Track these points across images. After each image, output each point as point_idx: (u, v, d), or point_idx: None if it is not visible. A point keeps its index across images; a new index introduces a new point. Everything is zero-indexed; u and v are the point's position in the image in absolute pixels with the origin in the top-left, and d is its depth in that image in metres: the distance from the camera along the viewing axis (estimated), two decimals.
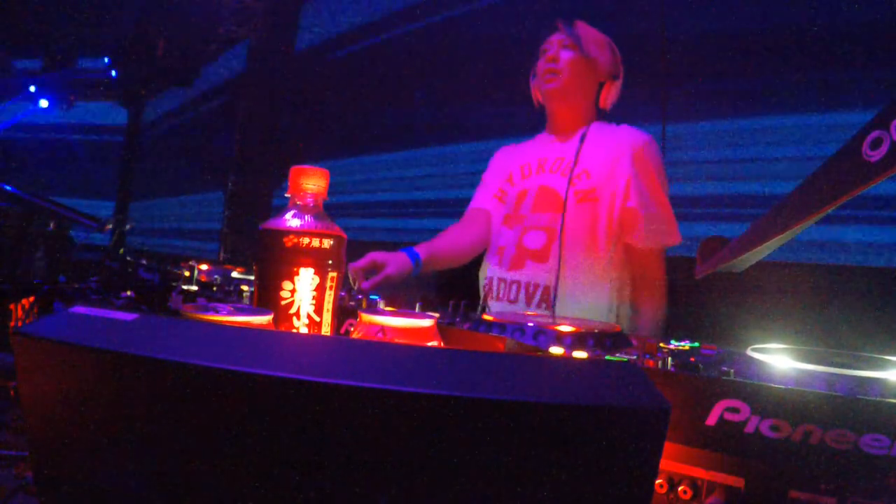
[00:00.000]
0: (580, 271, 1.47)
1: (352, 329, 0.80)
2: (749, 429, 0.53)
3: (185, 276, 1.14)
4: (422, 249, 1.53)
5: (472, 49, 3.40)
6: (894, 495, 0.50)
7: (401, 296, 1.06)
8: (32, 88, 4.86)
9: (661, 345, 0.74)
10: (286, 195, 0.78)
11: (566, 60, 1.57)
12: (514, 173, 1.67)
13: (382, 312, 0.76)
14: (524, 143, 1.77)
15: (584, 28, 1.61)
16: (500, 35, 3.22)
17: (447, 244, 1.67)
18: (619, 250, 1.49)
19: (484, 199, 1.74)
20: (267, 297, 0.74)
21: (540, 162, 1.62)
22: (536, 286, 1.50)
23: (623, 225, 1.47)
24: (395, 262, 1.43)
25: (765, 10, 2.34)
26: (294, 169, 0.77)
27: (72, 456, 0.43)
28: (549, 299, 1.47)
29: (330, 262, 0.75)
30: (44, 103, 4.85)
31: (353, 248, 0.81)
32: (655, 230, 1.46)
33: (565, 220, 1.48)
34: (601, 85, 1.61)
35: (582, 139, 1.55)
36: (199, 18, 4.66)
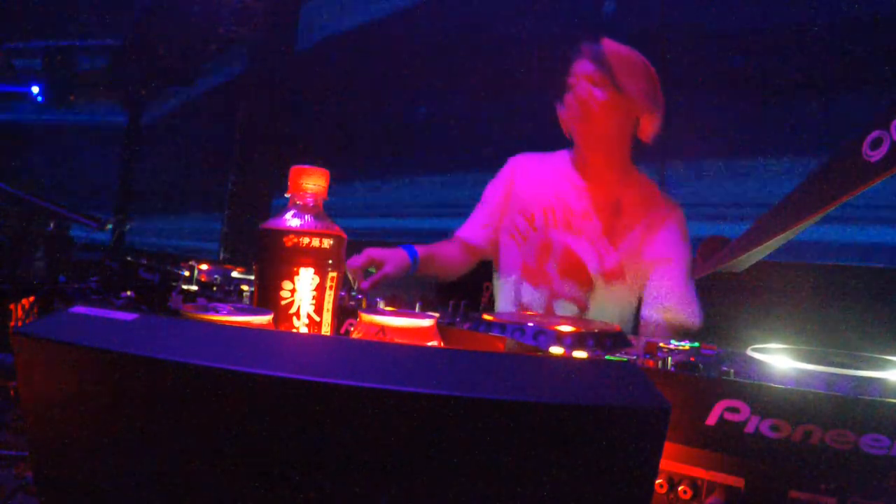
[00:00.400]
0: None
1: (352, 329, 0.80)
2: (749, 429, 0.53)
3: (185, 276, 1.14)
4: (421, 248, 1.48)
5: (474, 48, 3.40)
6: (894, 495, 0.50)
7: (401, 296, 1.06)
8: (35, 89, 4.86)
9: (661, 345, 0.74)
10: (286, 195, 0.78)
11: (599, 103, 1.40)
12: (536, 216, 1.54)
13: (382, 312, 0.76)
14: (542, 160, 1.62)
15: (613, 50, 1.42)
16: (502, 34, 3.22)
17: (446, 252, 1.60)
18: (646, 324, 1.48)
19: (481, 231, 1.62)
20: (267, 297, 0.74)
21: (566, 213, 1.51)
22: None
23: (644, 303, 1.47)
24: (393, 260, 1.38)
25: (765, 10, 2.35)
26: (294, 169, 0.77)
27: (72, 456, 0.43)
28: None
29: (330, 262, 0.75)
30: (35, 89, 4.84)
31: (353, 249, 0.81)
32: (671, 313, 1.42)
33: (593, 297, 1.47)
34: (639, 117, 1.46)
35: (615, 211, 1.46)
36: (199, 18, 4.66)
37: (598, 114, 1.42)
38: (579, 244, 1.48)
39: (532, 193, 1.57)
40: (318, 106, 4.31)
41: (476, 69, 3.29)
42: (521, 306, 1.55)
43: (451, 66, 3.54)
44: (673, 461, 0.57)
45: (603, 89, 1.40)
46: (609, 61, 1.40)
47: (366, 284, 1.33)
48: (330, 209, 0.79)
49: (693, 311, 1.42)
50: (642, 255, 1.45)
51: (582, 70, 1.44)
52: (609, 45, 1.44)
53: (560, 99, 1.50)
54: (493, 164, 1.72)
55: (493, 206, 1.64)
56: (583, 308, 1.47)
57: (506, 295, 1.60)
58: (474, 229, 1.64)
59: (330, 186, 0.79)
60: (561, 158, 1.60)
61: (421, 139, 3.82)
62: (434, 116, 3.70)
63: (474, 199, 1.72)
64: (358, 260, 1.34)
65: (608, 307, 1.47)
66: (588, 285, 1.47)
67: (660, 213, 1.47)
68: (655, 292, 1.44)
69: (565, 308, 1.49)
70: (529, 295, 1.54)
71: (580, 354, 0.67)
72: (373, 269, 1.36)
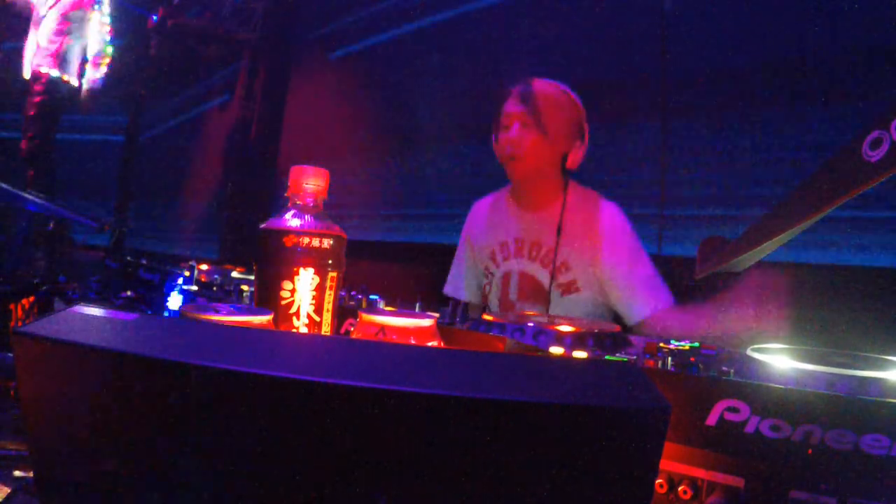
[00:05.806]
0: None
1: (352, 329, 0.80)
2: (749, 429, 0.53)
3: (185, 276, 1.14)
4: None
5: (473, 48, 3.40)
6: (894, 495, 0.50)
7: (401, 296, 1.06)
8: None
9: (661, 345, 0.74)
10: (286, 195, 0.78)
11: (528, 144, 1.51)
12: (496, 251, 1.66)
13: (382, 312, 0.76)
14: (490, 201, 1.74)
15: (541, 89, 1.54)
16: (502, 35, 3.22)
17: None
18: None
19: (464, 291, 1.75)
20: (267, 297, 0.74)
21: (518, 244, 1.61)
22: None
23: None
24: None
25: (765, 9, 2.34)
26: (294, 169, 0.77)
27: (72, 456, 0.43)
28: None
29: (330, 262, 0.75)
30: None
31: (353, 248, 0.81)
32: (630, 308, 1.50)
33: (550, 311, 1.52)
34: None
35: (559, 230, 1.53)
36: (199, 18, 4.66)
37: (528, 152, 1.53)
38: (533, 267, 1.58)
39: (487, 236, 1.70)
40: (319, 106, 4.31)
41: (478, 68, 3.28)
42: None
43: (451, 65, 3.53)
44: (673, 461, 0.57)
45: (532, 131, 1.52)
46: (536, 103, 1.52)
47: None
48: (330, 209, 0.79)
49: (662, 296, 1.49)
50: (593, 265, 1.52)
51: (512, 110, 1.55)
52: (538, 86, 1.55)
53: (495, 137, 1.61)
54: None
55: (462, 261, 1.79)
56: None
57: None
58: (458, 289, 1.78)
59: (329, 186, 0.79)
60: (504, 194, 1.72)
61: (422, 138, 3.81)
62: (435, 116, 3.69)
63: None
64: None
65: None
66: (544, 301, 1.54)
67: (600, 221, 1.55)
68: (628, 300, 1.51)
69: None
70: None
71: (580, 354, 0.67)
72: None
